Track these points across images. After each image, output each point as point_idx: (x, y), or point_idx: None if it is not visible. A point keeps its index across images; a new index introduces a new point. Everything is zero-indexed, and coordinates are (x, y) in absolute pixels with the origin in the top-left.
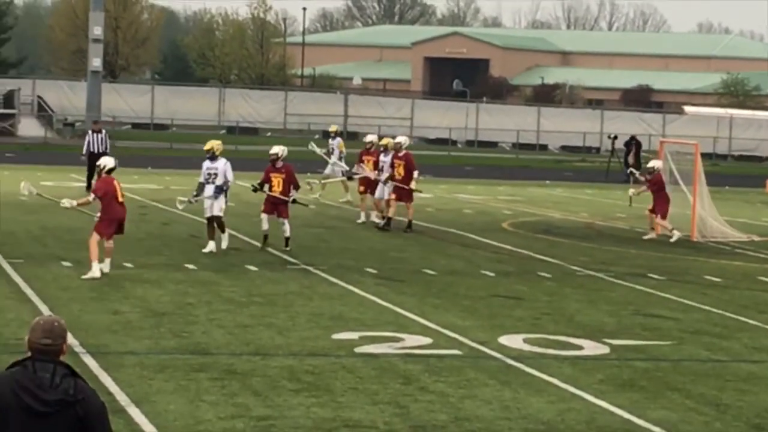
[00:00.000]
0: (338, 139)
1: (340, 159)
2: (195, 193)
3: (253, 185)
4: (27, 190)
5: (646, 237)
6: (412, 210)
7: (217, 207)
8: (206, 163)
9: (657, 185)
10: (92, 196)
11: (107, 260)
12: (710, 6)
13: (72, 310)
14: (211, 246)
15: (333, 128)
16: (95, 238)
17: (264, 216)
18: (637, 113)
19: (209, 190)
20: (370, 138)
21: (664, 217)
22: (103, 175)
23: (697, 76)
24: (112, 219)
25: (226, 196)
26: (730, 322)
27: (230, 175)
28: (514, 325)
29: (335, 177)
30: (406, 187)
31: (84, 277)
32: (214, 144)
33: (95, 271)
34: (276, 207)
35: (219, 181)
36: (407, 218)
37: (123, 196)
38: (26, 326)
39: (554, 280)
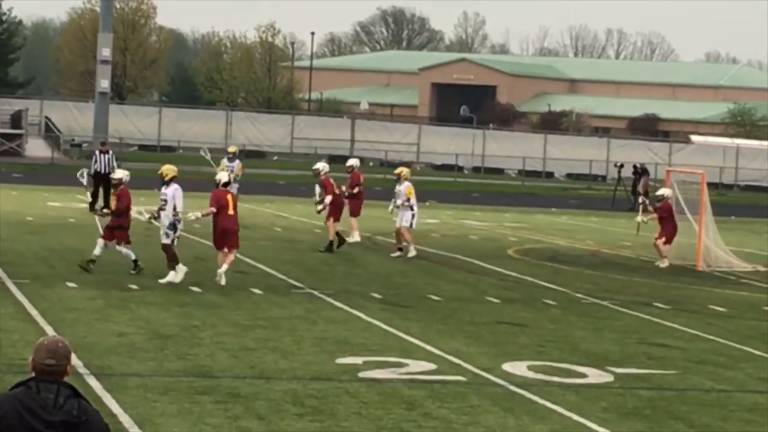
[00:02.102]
0: (237, 161)
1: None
2: (155, 215)
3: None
4: (138, 213)
5: (662, 265)
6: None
7: (164, 235)
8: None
9: (665, 212)
10: (212, 208)
11: (225, 266)
12: (718, 36)
13: (77, 331)
14: (169, 276)
15: (232, 149)
16: (219, 253)
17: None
18: (644, 142)
19: (164, 217)
20: (351, 162)
21: (667, 242)
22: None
23: (704, 105)
24: (224, 229)
25: (174, 228)
26: (735, 352)
27: (179, 203)
28: (519, 352)
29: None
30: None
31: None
32: (164, 169)
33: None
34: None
35: (168, 208)
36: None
37: (235, 208)
38: (31, 347)
39: (559, 307)
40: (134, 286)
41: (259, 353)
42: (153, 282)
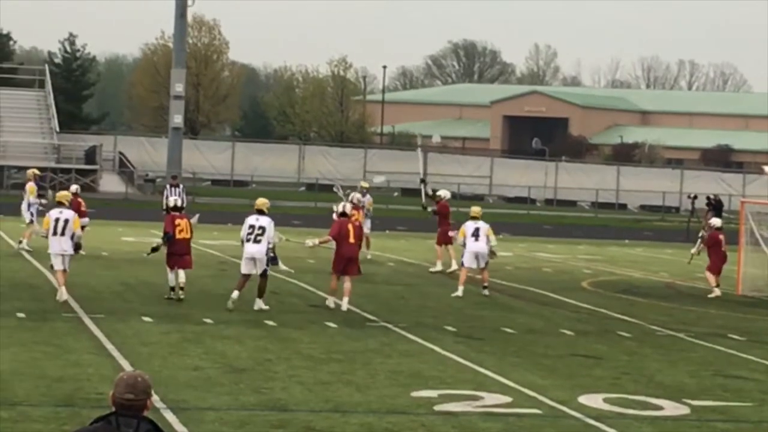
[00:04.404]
0: (368, 196)
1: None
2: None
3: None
4: (278, 238)
5: (711, 296)
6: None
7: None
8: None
9: (712, 242)
10: (330, 236)
11: (345, 299)
12: None
13: (152, 365)
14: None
15: (364, 184)
16: (333, 276)
17: None
18: (717, 173)
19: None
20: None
21: (713, 272)
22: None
23: None
24: (342, 257)
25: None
26: None
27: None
28: (594, 384)
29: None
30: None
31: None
32: (260, 202)
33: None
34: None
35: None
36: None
37: (356, 237)
38: (107, 381)
39: (634, 339)
40: (209, 320)
41: (334, 387)
42: (227, 315)
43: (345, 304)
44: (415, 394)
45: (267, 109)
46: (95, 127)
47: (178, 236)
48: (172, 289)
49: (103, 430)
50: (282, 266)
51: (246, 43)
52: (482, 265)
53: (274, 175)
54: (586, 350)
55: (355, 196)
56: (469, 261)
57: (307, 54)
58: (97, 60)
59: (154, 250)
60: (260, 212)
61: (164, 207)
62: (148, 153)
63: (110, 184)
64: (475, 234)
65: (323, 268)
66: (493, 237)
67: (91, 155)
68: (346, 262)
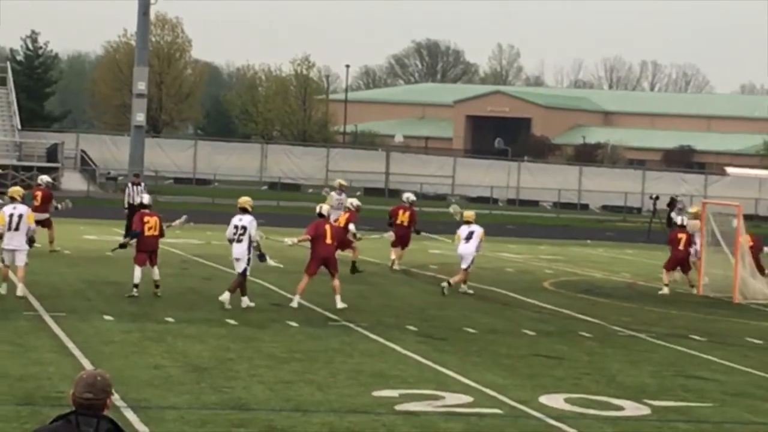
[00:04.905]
0: (344, 194)
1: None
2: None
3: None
4: (258, 236)
5: (660, 292)
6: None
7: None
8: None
9: (671, 239)
10: (308, 236)
11: (337, 296)
12: (753, 67)
13: (114, 364)
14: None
15: (342, 182)
16: (305, 276)
17: None
18: (679, 174)
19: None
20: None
21: (667, 269)
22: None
23: (740, 137)
24: (318, 257)
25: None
26: None
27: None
28: (555, 384)
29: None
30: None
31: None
32: (243, 200)
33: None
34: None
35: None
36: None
37: (333, 237)
38: (68, 380)
39: (595, 339)
40: (170, 319)
41: (296, 386)
42: (189, 314)
43: (339, 303)
44: (376, 393)
45: (230, 107)
46: (57, 124)
47: (146, 233)
48: (136, 286)
49: (63, 429)
50: (270, 262)
51: (209, 41)
52: (464, 266)
53: (237, 174)
54: (547, 350)
55: (333, 195)
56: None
57: (270, 53)
58: (59, 57)
59: (122, 246)
60: (243, 210)
61: (126, 205)
62: (111, 151)
63: (72, 182)
64: (468, 237)
65: (286, 267)
66: (483, 242)
67: (53, 153)
68: (322, 263)
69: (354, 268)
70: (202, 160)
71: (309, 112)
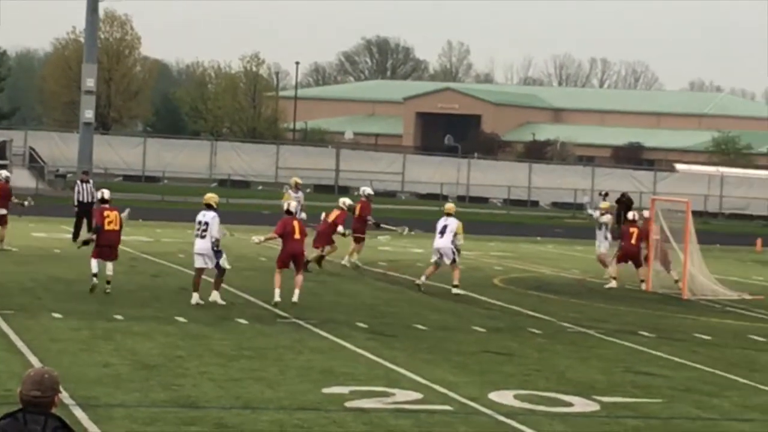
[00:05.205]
0: (300, 192)
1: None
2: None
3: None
4: (221, 234)
5: (606, 286)
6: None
7: (206, 259)
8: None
9: (623, 234)
10: (275, 234)
11: (296, 290)
12: (702, 64)
13: (62, 362)
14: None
15: (297, 180)
16: (276, 271)
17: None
18: (629, 170)
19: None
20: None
21: (618, 262)
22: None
23: (689, 133)
24: (288, 253)
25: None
26: (721, 380)
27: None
28: (505, 381)
29: None
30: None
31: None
32: (209, 197)
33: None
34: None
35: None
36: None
37: (302, 233)
38: (16, 378)
39: (545, 336)
40: (119, 317)
41: (245, 383)
42: (138, 312)
43: (295, 296)
44: (326, 390)
45: (179, 104)
46: (5, 121)
47: (107, 227)
48: (95, 275)
49: (10, 426)
50: (225, 263)
51: (158, 38)
52: (447, 262)
53: (186, 171)
54: (497, 347)
55: (290, 192)
56: (434, 256)
57: (220, 50)
58: (7, 54)
59: (85, 243)
60: (208, 207)
61: (75, 203)
62: (59, 148)
63: (21, 179)
64: (442, 231)
65: (235, 265)
66: (461, 235)
67: (1, 150)
68: (291, 258)
69: (317, 260)
70: (151, 158)
71: (259, 109)
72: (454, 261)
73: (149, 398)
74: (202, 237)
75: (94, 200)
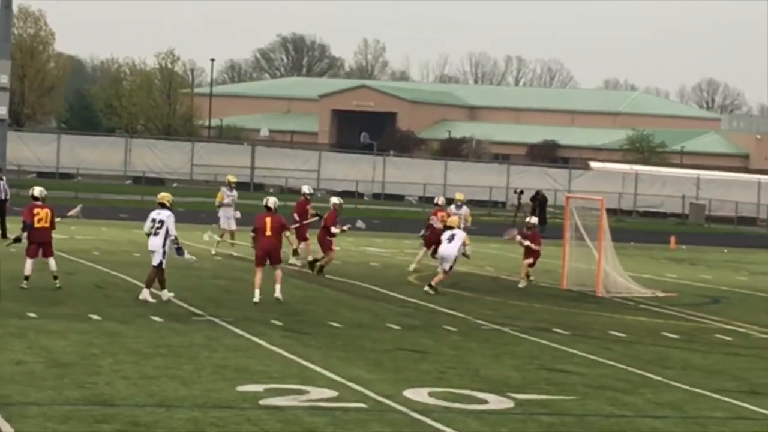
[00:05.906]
0: (235, 191)
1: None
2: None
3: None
4: (208, 236)
5: (520, 285)
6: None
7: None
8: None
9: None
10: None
11: (277, 286)
12: (616, 63)
13: None
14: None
15: (232, 179)
16: (255, 270)
17: None
18: (543, 168)
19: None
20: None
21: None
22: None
23: (603, 132)
24: (262, 249)
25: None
26: (635, 378)
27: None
28: (420, 378)
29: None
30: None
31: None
32: (163, 195)
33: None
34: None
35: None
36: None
37: (273, 229)
38: None
39: (460, 333)
40: (33, 314)
41: (160, 381)
42: (52, 310)
43: (278, 292)
44: (240, 388)
45: (94, 101)
46: None
47: (36, 225)
48: (26, 278)
49: None
50: (188, 256)
51: (72, 34)
52: (446, 267)
53: (101, 168)
54: (412, 344)
55: (224, 190)
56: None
57: (135, 46)
58: None
59: (16, 240)
60: (162, 206)
61: None
62: None
63: None
64: (451, 238)
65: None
66: (469, 246)
67: None
68: (266, 255)
69: (311, 263)
70: (65, 154)
71: (174, 106)
72: (451, 268)
73: (63, 396)
74: (156, 235)
75: (8, 197)
